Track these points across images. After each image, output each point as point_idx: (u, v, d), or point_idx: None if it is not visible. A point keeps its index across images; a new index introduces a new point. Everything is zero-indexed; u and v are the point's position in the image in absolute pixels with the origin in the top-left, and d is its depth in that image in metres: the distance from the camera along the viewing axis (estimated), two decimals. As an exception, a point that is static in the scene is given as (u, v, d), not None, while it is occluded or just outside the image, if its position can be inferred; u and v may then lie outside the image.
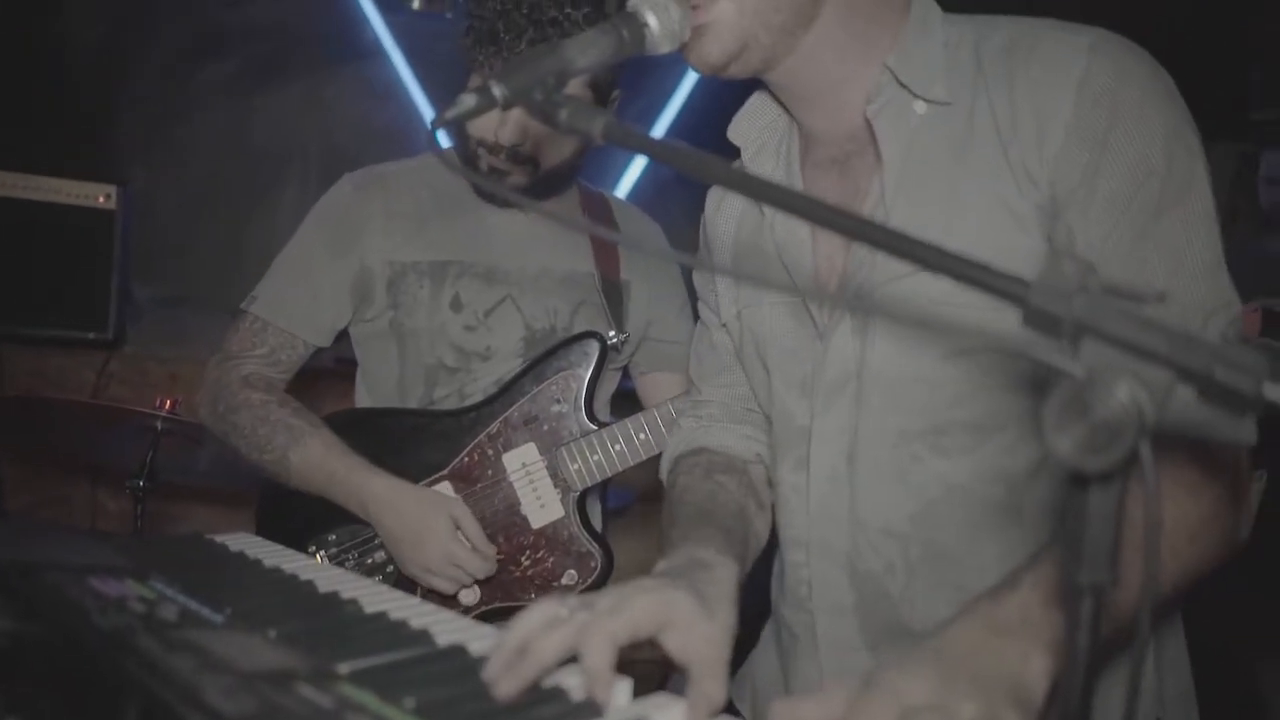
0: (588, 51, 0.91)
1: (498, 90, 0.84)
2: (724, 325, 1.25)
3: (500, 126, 1.51)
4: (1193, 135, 0.95)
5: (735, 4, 1.01)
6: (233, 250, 3.69)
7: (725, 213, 1.25)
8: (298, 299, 1.63)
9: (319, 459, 1.53)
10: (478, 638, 0.84)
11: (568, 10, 1.42)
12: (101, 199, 3.21)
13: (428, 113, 3.82)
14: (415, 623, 0.86)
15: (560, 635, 0.78)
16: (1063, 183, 0.94)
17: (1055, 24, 1.00)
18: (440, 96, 3.80)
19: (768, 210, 1.15)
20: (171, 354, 3.43)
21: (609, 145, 0.83)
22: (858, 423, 1.07)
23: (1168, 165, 0.92)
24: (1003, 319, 0.97)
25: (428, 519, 1.50)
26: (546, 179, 1.59)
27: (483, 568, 1.52)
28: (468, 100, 0.84)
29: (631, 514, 2.87)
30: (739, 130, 1.18)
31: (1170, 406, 0.57)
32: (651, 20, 0.95)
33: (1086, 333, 0.59)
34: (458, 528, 1.51)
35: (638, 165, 3.91)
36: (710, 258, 1.28)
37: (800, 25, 1.03)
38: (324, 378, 1.99)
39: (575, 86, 1.45)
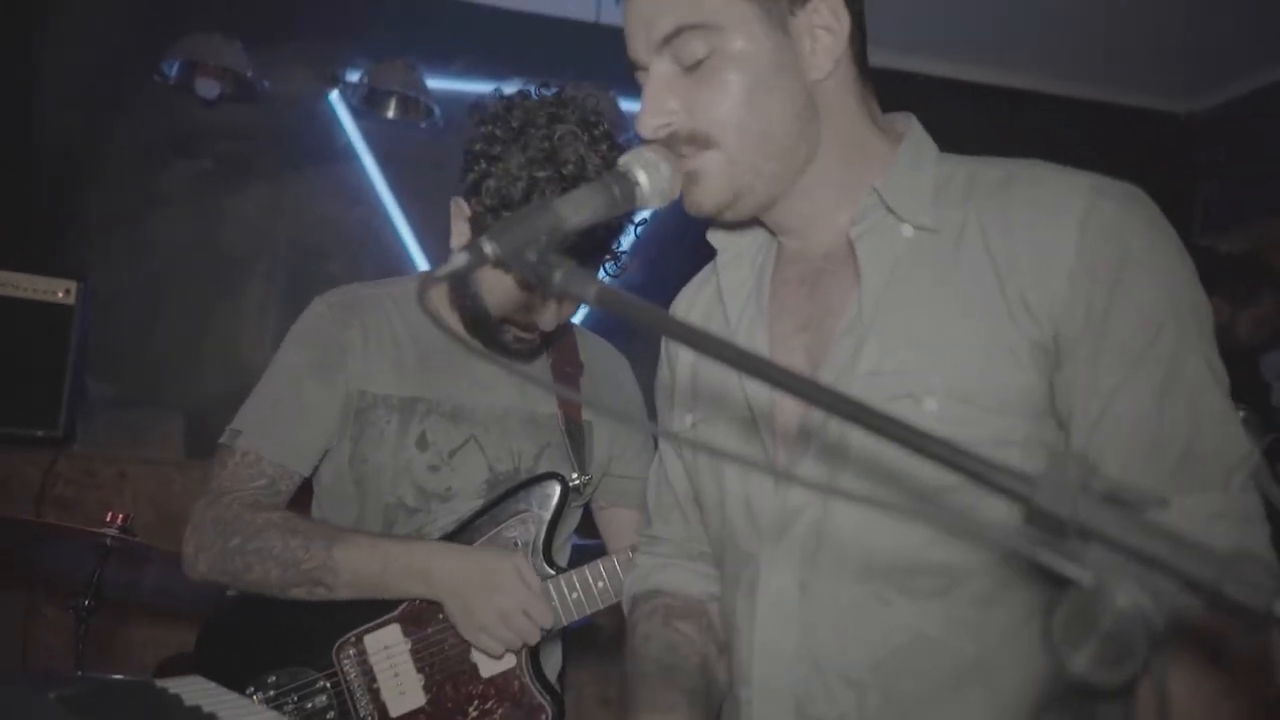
0: (580, 209, 0.90)
1: (489, 248, 0.83)
2: (680, 455, 1.21)
3: (541, 313, 1.50)
4: (1197, 280, 0.94)
5: (725, 153, 1.00)
6: (192, 351, 3.64)
7: (692, 319, 1.22)
8: (290, 431, 1.55)
9: (368, 546, 1.47)
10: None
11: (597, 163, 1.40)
12: (61, 294, 3.16)
13: (397, 215, 3.84)
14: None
15: None
16: (1068, 325, 0.92)
17: (1054, 165, 1.00)
18: (410, 200, 3.83)
19: (732, 320, 1.13)
20: (121, 453, 3.34)
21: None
22: (816, 551, 1.01)
23: (1177, 316, 0.90)
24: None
25: (496, 569, 1.47)
26: (553, 336, 1.60)
27: (550, 618, 1.49)
28: (459, 259, 0.83)
29: (591, 629, 2.81)
30: (717, 233, 1.17)
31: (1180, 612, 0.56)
32: (642, 178, 0.95)
33: (1092, 538, 0.58)
34: (523, 578, 1.48)
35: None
36: (670, 369, 1.24)
37: (796, 169, 1.02)
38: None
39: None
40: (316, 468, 1.61)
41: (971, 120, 4.33)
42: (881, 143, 1.06)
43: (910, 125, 1.08)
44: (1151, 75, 4.23)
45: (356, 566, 1.45)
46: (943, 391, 0.95)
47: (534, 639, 1.48)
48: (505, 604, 1.45)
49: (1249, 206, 4.20)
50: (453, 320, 1.60)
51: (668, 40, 0.99)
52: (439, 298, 1.58)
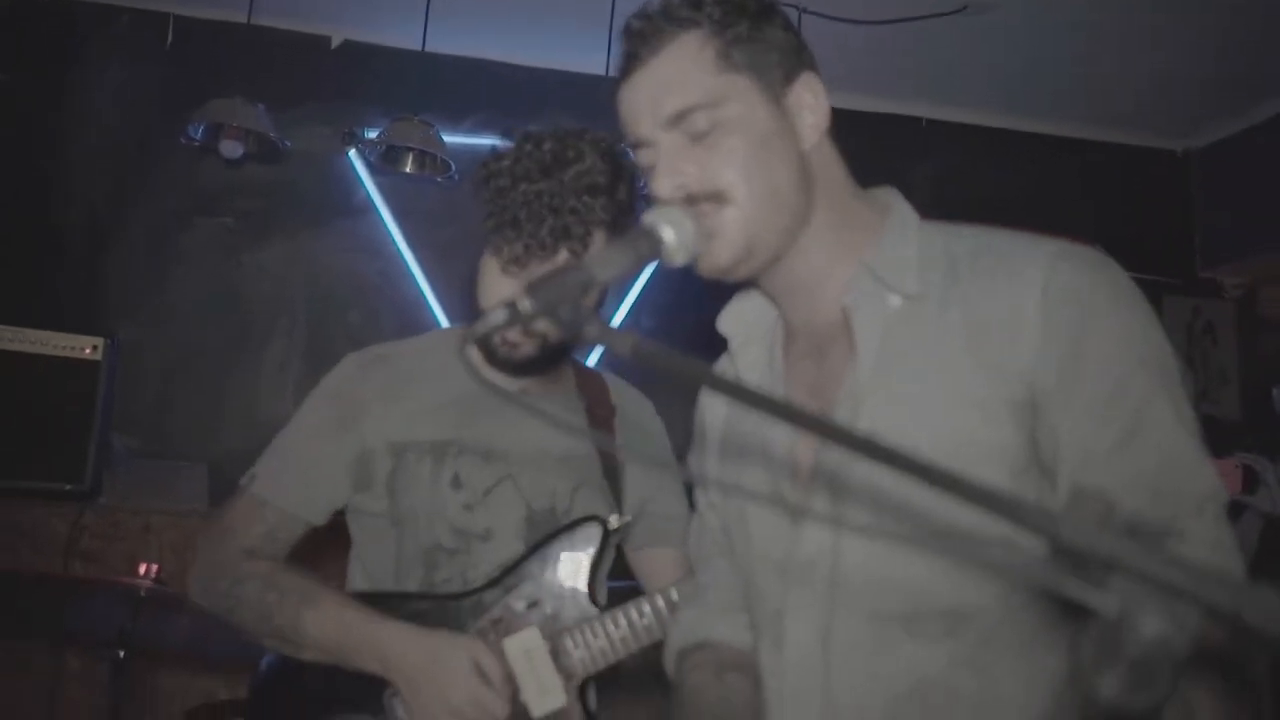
0: (608, 267, 0.95)
1: (525, 305, 0.88)
2: (712, 505, 1.27)
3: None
4: (1161, 332, 1.00)
5: (740, 210, 1.06)
6: (214, 404, 3.69)
7: (715, 406, 1.29)
8: (298, 479, 1.61)
9: (335, 612, 1.50)
10: None
11: (585, 199, 1.46)
12: (88, 351, 3.22)
13: (415, 266, 3.91)
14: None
15: None
16: (1041, 382, 0.98)
17: (1020, 234, 1.08)
18: (426, 252, 3.90)
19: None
20: (146, 505, 3.38)
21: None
22: (833, 602, 1.07)
23: (1143, 363, 0.97)
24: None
25: (448, 660, 1.47)
26: (552, 352, 1.62)
27: (506, 709, 1.48)
28: (497, 316, 0.87)
29: (613, 669, 2.81)
30: (726, 323, 1.24)
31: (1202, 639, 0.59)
32: (668, 235, 1.00)
33: (1116, 569, 0.61)
34: (479, 667, 1.48)
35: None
36: (703, 437, 1.30)
37: (798, 225, 1.09)
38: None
39: (598, 240, 1.47)
40: (352, 518, 1.66)
41: (972, 161, 4.41)
42: (868, 212, 1.14)
43: (895, 198, 1.16)
44: (1148, 113, 4.29)
45: (320, 633, 1.50)
46: (928, 449, 1.00)
47: None
48: (455, 698, 1.46)
49: (1248, 241, 4.24)
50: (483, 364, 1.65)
51: (673, 121, 1.07)
52: (477, 367, 1.62)
